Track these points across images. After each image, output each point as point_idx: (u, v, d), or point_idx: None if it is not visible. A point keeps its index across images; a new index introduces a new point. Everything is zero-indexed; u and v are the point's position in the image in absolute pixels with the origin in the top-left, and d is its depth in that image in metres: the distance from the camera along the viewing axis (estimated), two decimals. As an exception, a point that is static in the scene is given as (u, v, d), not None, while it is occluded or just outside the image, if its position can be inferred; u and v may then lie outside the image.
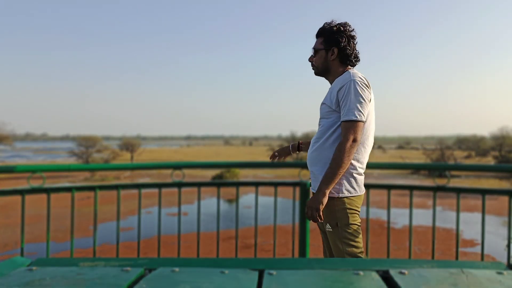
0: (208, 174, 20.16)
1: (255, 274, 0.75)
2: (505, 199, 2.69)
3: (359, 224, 1.80)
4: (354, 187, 1.79)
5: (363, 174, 1.85)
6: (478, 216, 9.41)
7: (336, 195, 1.76)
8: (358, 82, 1.75)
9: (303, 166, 3.20)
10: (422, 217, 9.64)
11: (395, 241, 7.80)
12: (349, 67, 1.92)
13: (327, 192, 1.73)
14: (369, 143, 1.87)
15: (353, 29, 1.91)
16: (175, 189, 2.98)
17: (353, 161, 1.78)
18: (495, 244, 7.39)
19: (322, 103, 1.91)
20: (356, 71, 1.85)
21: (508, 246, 2.59)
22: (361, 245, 1.79)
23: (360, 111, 1.73)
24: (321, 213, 1.73)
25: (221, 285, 0.70)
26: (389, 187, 2.91)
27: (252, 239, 3.13)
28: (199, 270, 0.78)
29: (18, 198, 2.66)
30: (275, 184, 3.10)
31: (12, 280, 0.73)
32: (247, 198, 12.30)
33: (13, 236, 8.43)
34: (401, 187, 3.02)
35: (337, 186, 1.76)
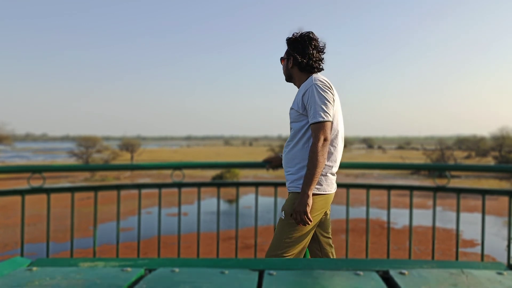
0: (208, 175, 20.16)
1: (255, 275, 0.75)
2: (505, 199, 2.69)
3: (310, 226, 1.85)
4: (322, 186, 1.87)
5: (334, 173, 1.94)
6: (478, 216, 9.41)
7: (299, 190, 1.85)
8: (320, 85, 1.85)
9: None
10: (422, 218, 9.64)
11: (395, 241, 7.79)
12: (314, 72, 2.00)
13: (310, 193, 1.81)
14: (339, 143, 1.95)
15: (314, 38, 1.99)
16: (175, 189, 2.98)
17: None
18: (495, 245, 7.39)
19: (291, 108, 2.01)
20: (319, 75, 1.96)
21: (508, 246, 2.58)
22: (299, 246, 1.85)
23: (326, 112, 1.83)
24: (309, 215, 1.80)
25: (221, 286, 0.70)
26: (389, 188, 2.91)
27: (252, 239, 3.13)
28: (199, 270, 0.78)
29: (18, 198, 2.66)
30: (275, 185, 3.10)
31: (12, 280, 0.73)
32: (247, 198, 12.30)
33: (13, 236, 8.43)
34: (401, 187, 3.02)
35: (300, 182, 1.85)
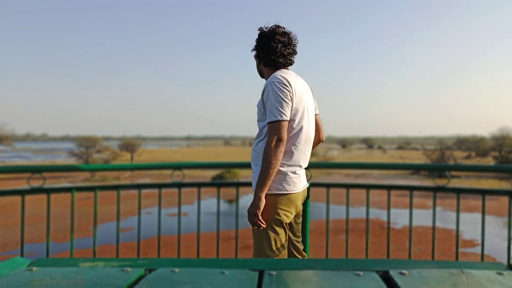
0: (208, 175, 20.16)
1: (255, 275, 0.75)
2: (505, 199, 2.69)
3: (284, 224, 1.85)
4: (284, 185, 1.84)
5: (296, 172, 1.89)
6: (478, 216, 9.40)
7: (269, 191, 1.85)
8: (276, 83, 1.81)
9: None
10: (422, 218, 9.64)
11: (395, 242, 7.79)
12: (281, 68, 1.98)
13: (262, 195, 1.80)
14: (302, 141, 1.89)
15: (278, 32, 1.95)
16: (175, 190, 2.98)
17: (283, 160, 1.84)
18: (495, 245, 7.39)
19: (257, 106, 2.00)
20: (279, 72, 1.90)
21: (508, 246, 2.58)
22: (278, 246, 1.84)
23: (281, 111, 1.78)
24: (260, 218, 1.79)
25: (221, 286, 0.70)
26: (389, 188, 2.91)
27: (252, 240, 3.12)
28: (199, 270, 0.78)
29: (18, 198, 2.67)
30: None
31: (12, 280, 0.73)
32: (247, 198, 12.30)
33: (13, 237, 8.43)
34: (401, 187, 3.02)
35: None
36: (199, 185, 3.02)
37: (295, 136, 1.87)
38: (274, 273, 0.75)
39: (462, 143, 40.00)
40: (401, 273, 0.74)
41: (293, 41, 2.00)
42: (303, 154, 1.92)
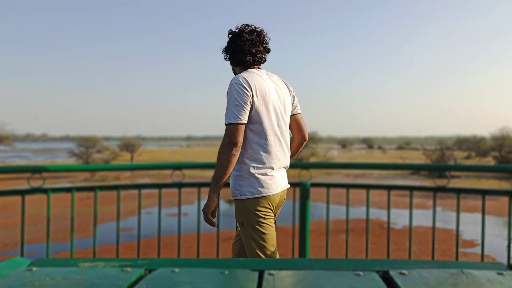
0: (208, 175, 20.15)
1: (255, 275, 0.75)
2: (505, 199, 2.69)
3: (266, 223, 1.86)
4: (257, 188, 1.83)
5: (268, 174, 1.86)
6: (478, 216, 9.40)
7: (238, 197, 1.86)
8: (235, 85, 1.81)
9: (303, 166, 3.20)
10: (422, 218, 9.63)
11: (395, 242, 7.79)
12: (251, 67, 1.96)
13: (214, 195, 1.84)
14: (270, 143, 1.87)
15: (246, 31, 1.94)
16: (175, 190, 2.99)
17: (251, 163, 1.84)
18: (495, 245, 7.39)
19: None
20: (243, 73, 1.88)
21: (508, 246, 2.59)
22: (269, 245, 1.86)
23: (235, 113, 1.78)
24: (209, 217, 1.85)
25: (221, 286, 0.70)
26: (389, 188, 2.91)
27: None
28: (199, 270, 0.78)
29: (18, 198, 2.67)
30: (275, 185, 3.09)
31: (12, 280, 0.73)
32: (247, 198, 12.29)
33: (13, 237, 8.43)
34: (401, 187, 3.02)
35: (239, 188, 1.85)
36: (199, 185, 3.02)
37: (261, 138, 1.85)
38: (274, 273, 0.75)
39: (462, 143, 39.99)
40: (401, 273, 0.74)
41: (263, 39, 1.98)
42: (274, 155, 1.88)
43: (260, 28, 1.99)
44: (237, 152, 1.80)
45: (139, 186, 2.94)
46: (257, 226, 1.84)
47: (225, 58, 2.03)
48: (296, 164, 3.26)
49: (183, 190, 3.00)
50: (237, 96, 1.79)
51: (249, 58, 1.94)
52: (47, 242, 2.72)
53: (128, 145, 34.03)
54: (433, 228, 2.79)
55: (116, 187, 2.92)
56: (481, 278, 0.72)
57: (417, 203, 11.54)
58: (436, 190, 2.77)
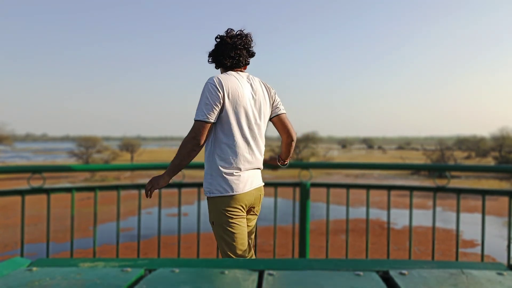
0: (208, 175, 20.09)
1: (255, 275, 0.75)
2: (505, 199, 2.69)
3: (235, 223, 1.89)
4: (224, 187, 1.87)
5: (234, 174, 1.90)
6: (478, 216, 9.40)
7: (208, 195, 1.92)
8: (208, 84, 1.88)
9: (303, 166, 3.20)
10: (422, 218, 9.63)
11: (395, 242, 7.79)
12: (233, 69, 2.03)
13: (167, 178, 1.92)
14: (239, 144, 1.91)
15: (228, 35, 2.01)
16: (175, 190, 2.99)
17: (220, 162, 1.89)
18: (495, 245, 7.39)
19: None
20: (220, 74, 1.96)
21: (508, 246, 2.59)
22: (238, 244, 1.89)
23: (203, 112, 1.84)
24: (150, 190, 1.90)
25: (221, 286, 0.70)
26: (389, 188, 2.91)
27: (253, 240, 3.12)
28: (199, 270, 0.78)
29: (18, 198, 2.67)
30: (275, 185, 3.10)
31: (12, 280, 0.73)
32: (247, 198, 12.28)
33: (13, 237, 8.43)
34: (401, 187, 3.02)
35: (208, 186, 1.91)
36: (199, 185, 3.02)
37: (229, 138, 1.90)
38: (274, 273, 0.75)
39: (462, 143, 39.99)
40: (401, 273, 0.74)
41: (245, 43, 2.02)
42: (241, 156, 1.90)
43: (244, 33, 2.04)
44: (197, 149, 1.87)
45: (139, 186, 2.94)
46: (225, 226, 1.89)
47: (208, 61, 2.09)
48: (296, 164, 3.26)
49: (183, 190, 3.00)
50: (208, 95, 1.85)
51: (229, 61, 2.00)
52: (47, 242, 2.72)
53: (128, 145, 34.04)
54: (433, 228, 2.79)
55: (116, 187, 2.92)
56: (481, 278, 0.72)
57: (417, 203, 11.54)
58: (436, 190, 2.77)
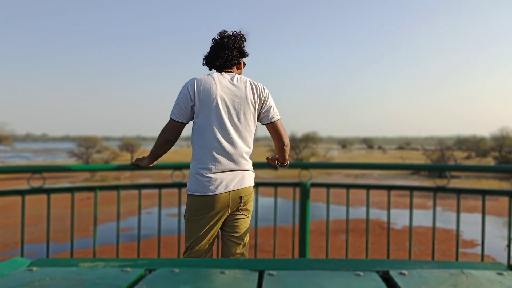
0: (208, 175, 20.07)
1: (255, 275, 0.75)
2: (505, 199, 2.69)
3: (199, 222, 1.92)
4: (195, 187, 1.92)
5: (205, 175, 1.90)
6: (478, 216, 9.40)
7: (188, 192, 1.98)
8: (184, 86, 1.96)
9: (303, 166, 3.20)
10: (422, 218, 9.63)
11: (395, 242, 7.79)
12: (221, 70, 2.07)
13: (147, 160, 2.20)
14: (209, 145, 1.92)
15: (219, 36, 2.05)
16: (175, 190, 2.98)
17: (194, 162, 1.96)
18: (495, 245, 7.38)
19: None
20: (202, 75, 1.98)
21: (508, 246, 2.58)
22: (197, 242, 1.93)
23: (174, 112, 1.96)
24: (134, 163, 2.25)
25: (221, 286, 0.70)
26: (389, 188, 2.91)
27: (252, 240, 3.13)
28: (199, 270, 0.78)
29: (18, 198, 2.66)
30: (275, 185, 3.10)
31: (12, 280, 0.73)
32: (247, 198, 12.28)
33: (13, 237, 8.43)
34: (401, 187, 3.02)
35: (187, 184, 2.00)
36: (199, 185, 3.01)
37: (201, 139, 1.93)
38: (274, 273, 0.75)
39: (462, 143, 39.99)
40: (401, 273, 0.74)
41: (234, 42, 2.03)
42: (213, 158, 1.90)
43: (236, 33, 2.07)
44: (168, 143, 2.03)
45: (139, 186, 2.94)
46: (190, 223, 1.95)
47: (202, 63, 2.13)
48: (296, 164, 3.26)
49: (183, 190, 3.00)
50: (180, 96, 1.95)
51: (218, 62, 2.04)
52: (47, 242, 2.72)
53: (128, 145, 34.06)
54: (433, 228, 2.79)
55: (116, 187, 2.92)
56: (481, 278, 0.72)
57: (417, 203, 11.54)
58: (436, 190, 2.77)
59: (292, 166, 3.27)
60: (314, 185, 3.11)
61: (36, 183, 2.68)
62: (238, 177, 1.96)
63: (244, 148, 1.98)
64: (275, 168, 2.45)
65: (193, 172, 1.94)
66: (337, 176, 21.88)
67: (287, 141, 2.14)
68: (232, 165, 1.93)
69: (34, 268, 0.79)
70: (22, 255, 2.62)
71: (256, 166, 3.02)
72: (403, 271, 0.75)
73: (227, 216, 2.00)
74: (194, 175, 1.93)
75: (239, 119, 1.95)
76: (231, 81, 1.97)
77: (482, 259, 2.70)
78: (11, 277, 0.75)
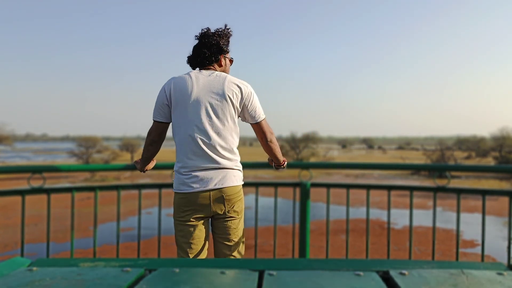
0: (208, 175, 20.07)
1: (255, 275, 0.75)
2: (505, 199, 2.69)
3: (183, 220, 1.91)
4: (177, 185, 1.94)
5: (183, 173, 1.91)
6: (478, 216, 9.40)
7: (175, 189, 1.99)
8: (162, 86, 1.97)
9: (303, 166, 3.20)
10: (422, 218, 9.64)
11: (395, 242, 7.79)
12: (198, 68, 2.05)
13: (139, 164, 2.19)
14: (184, 143, 1.91)
15: (199, 34, 2.03)
16: (175, 190, 2.98)
17: (176, 160, 1.98)
18: (496, 245, 7.38)
19: None
20: (179, 75, 1.98)
21: (509, 246, 2.58)
22: (183, 240, 1.91)
23: (154, 112, 1.98)
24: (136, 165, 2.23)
25: (221, 286, 0.70)
26: (389, 188, 2.91)
27: (252, 240, 3.13)
28: (199, 270, 0.78)
29: (18, 198, 2.67)
30: (275, 185, 3.10)
31: (12, 280, 0.73)
32: (247, 198, 12.29)
33: (13, 237, 8.43)
34: (401, 187, 3.02)
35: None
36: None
37: (177, 137, 1.94)
38: (274, 273, 0.75)
39: (462, 143, 40.01)
40: (401, 273, 0.74)
41: (212, 40, 1.99)
42: (188, 155, 1.89)
43: (216, 30, 2.03)
44: (154, 144, 2.05)
45: (139, 186, 2.94)
46: (175, 220, 1.95)
47: (187, 63, 2.09)
48: (296, 164, 3.26)
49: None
50: (158, 96, 1.97)
51: (196, 60, 2.02)
52: (47, 242, 2.72)
53: (128, 145, 34.07)
54: (433, 228, 2.79)
55: (116, 187, 2.92)
56: (481, 278, 0.72)
57: (417, 203, 11.54)
58: (436, 190, 2.77)
59: (292, 166, 3.27)
60: (314, 185, 3.11)
61: (36, 183, 2.68)
62: (219, 176, 1.91)
63: (224, 146, 1.91)
64: (276, 168, 2.42)
65: (175, 170, 1.97)
66: (337, 176, 21.89)
67: (269, 137, 2.05)
68: (211, 163, 1.89)
69: (34, 268, 0.79)
70: (22, 255, 2.62)
71: (256, 166, 3.02)
72: (403, 271, 0.75)
73: (216, 218, 1.95)
74: (176, 173, 1.95)
75: (217, 116, 1.89)
76: (208, 78, 1.93)
77: (482, 259, 2.69)
78: (11, 277, 0.75)
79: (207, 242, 1.99)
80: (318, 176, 21.24)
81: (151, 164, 2.24)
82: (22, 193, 2.64)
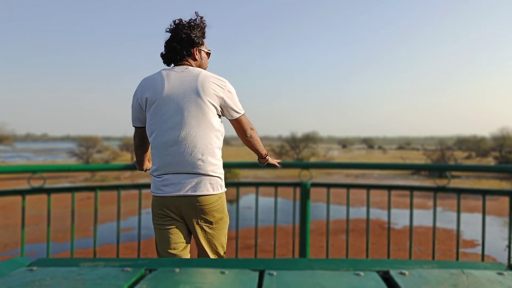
0: (208, 175, 20.08)
1: (256, 275, 0.75)
2: (505, 199, 2.69)
3: (158, 223, 1.82)
4: (152, 187, 1.85)
5: (157, 176, 1.81)
6: (478, 216, 9.40)
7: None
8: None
9: (303, 166, 3.20)
10: (422, 218, 9.64)
11: (395, 242, 7.79)
12: (168, 64, 1.92)
13: (137, 166, 2.27)
14: (155, 145, 1.79)
15: (168, 28, 1.88)
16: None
17: (152, 163, 1.89)
18: (496, 245, 7.38)
19: None
20: (150, 75, 1.85)
21: (509, 246, 2.59)
22: (159, 243, 1.83)
23: (131, 118, 1.93)
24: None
25: (221, 286, 0.70)
26: (389, 188, 2.91)
27: (253, 240, 3.13)
28: (199, 270, 0.78)
29: (18, 198, 2.67)
30: (276, 185, 3.10)
31: (12, 280, 0.73)
32: (247, 198, 12.30)
33: (13, 237, 8.43)
34: (401, 187, 3.02)
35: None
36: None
37: (151, 139, 1.83)
38: (274, 273, 0.75)
39: (463, 143, 40.03)
40: (402, 273, 0.74)
41: (180, 33, 1.84)
42: (159, 159, 1.78)
43: (181, 23, 1.87)
44: (139, 149, 2.09)
45: (140, 186, 2.94)
46: (153, 225, 1.85)
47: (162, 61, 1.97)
48: (296, 164, 3.27)
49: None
50: (132, 101, 1.88)
51: (167, 55, 1.88)
52: (47, 242, 2.72)
53: (128, 145, 34.05)
54: (434, 228, 2.79)
55: (117, 187, 2.92)
56: (482, 278, 0.72)
57: (418, 203, 11.54)
58: (436, 190, 2.77)
59: (292, 166, 3.27)
60: (314, 185, 3.11)
61: (36, 183, 2.68)
62: (193, 182, 1.73)
63: (200, 148, 1.73)
64: (272, 167, 2.41)
65: (150, 172, 1.90)
66: (337, 176, 21.89)
67: (249, 133, 1.93)
68: (184, 167, 1.73)
69: (35, 268, 0.79)
70: (22, 255, 2.62)
71: (256, 165, 3.02)
72: (403, 271, 0.75)
73: (190, 225, 1.80)
74: (152, 176, 1.86)
75: (191, 115, 1.72)
76: (181, 74, 1.77)
77: (483, 259, 2.69)
78: (12, 277, 0.75)
79: (187, 246, 1.85)
80: (318, 176, 21.24)
81: (151, 164, 2.16)
82: (22, 193, 2.64)
